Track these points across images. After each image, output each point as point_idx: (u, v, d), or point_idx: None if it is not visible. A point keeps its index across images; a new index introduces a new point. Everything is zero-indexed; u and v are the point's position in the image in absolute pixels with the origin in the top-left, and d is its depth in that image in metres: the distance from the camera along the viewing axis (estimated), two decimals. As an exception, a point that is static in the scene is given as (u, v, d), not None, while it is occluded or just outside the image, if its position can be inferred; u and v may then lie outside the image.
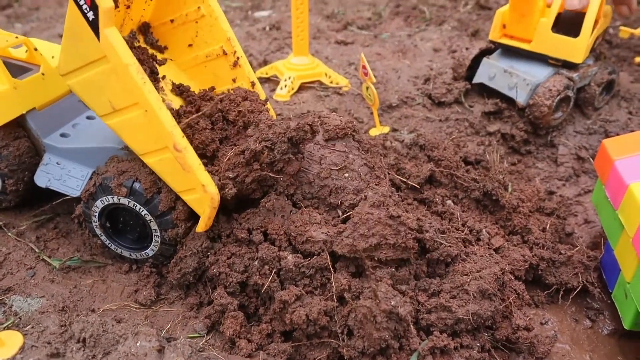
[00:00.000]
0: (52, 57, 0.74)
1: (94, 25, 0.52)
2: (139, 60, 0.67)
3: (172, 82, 0.73)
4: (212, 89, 0.76)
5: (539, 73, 0.90)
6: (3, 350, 0.52)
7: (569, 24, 0.89)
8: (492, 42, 0.96)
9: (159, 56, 0.74)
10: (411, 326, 0.56)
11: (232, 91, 0.73)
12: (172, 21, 0.71)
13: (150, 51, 0.73)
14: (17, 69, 0.74)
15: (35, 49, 0.73)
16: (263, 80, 1.10)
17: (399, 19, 1.36)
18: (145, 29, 0.73)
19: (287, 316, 0.59)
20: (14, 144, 0.69)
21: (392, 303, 0.56)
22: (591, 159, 0.90)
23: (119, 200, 0.64)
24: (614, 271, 0.69)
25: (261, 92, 0.73)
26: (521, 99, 0.90)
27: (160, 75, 0.72)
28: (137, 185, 0.63)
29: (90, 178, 0.67)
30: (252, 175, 0.64)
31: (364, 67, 0.91)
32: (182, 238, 0.65)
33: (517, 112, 0.93)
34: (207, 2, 0.68)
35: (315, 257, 0.63)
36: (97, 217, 0.67)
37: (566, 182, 0.90)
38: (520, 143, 0.92)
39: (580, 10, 0.85)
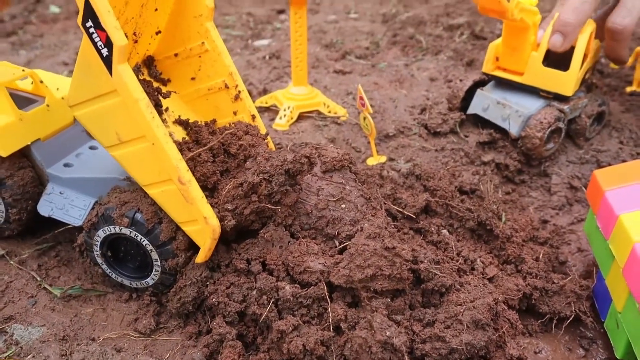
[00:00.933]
0: (57, 89, 0.76)
1: (108, 61, 0.55)
2: (146, 92, 0.69)
3: (179, 115, 0.74)
4: (214, 121, 0.78)
5: (531, 105, 0.92)
6: (5, 380, 0.53)
7: (560, 57, 0.92)
8: (485, 74, 0.98)
9: (163, 89, 0.76)
10: (406, 356, 0.57)
11: (233, 125, 0.75)
12: (176, 55, 0.74)
13: (155, 84, 0.75)
14: (23, 101, 0.76)
15: (41, 81, 0.75)
16: (263, 110, 1.12)
17: (396, 48, 1.39)
18: (149, 62, 0.76)
19: (285, 346, 0.60)
20: (19, 174, 0.71)
21: (387, 334, 0.57)
22: (584, 188, 0.92)
23: (120, 230, 0.66)
24: (606, 300, 0.71)
25: (261, 125, 0.76)
26: (514, 130, 0.92)
27: (163, 108, 0.74)
28: (138, 215, 0.65)
29: (93, 208, 0.68)
30: (251, 207, 0.65)
31: (361, 98, 0.94)
32: (182, 267, 0.67)
33: (510, 143, 0.96)
34: (211, 37, 0.70)
35: (313, 287, 0.64)
36: (98, 246, 0.68)
37: (559, 211, 0.92)
38: (514, 173, 0.94)
39: (562, 51, 0.88)
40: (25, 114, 0.71)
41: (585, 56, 0.92)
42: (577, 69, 0.87)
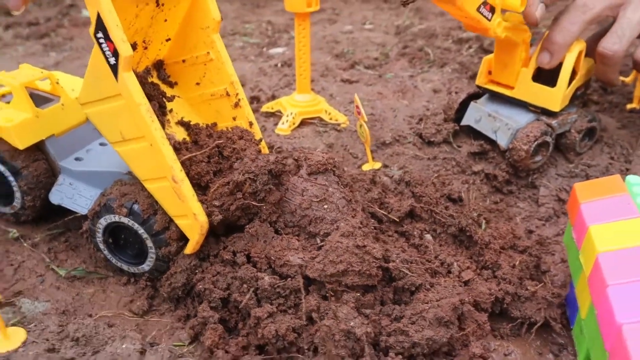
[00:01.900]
0: (72, 89, 0.83)
1: (114, 68, 0.61)
2: (150, 95, 0.76)
3: (182, 116, 0.81)
4: (215, 124, 0.84)
5: (521, 118, 0.96)
6: (8, 343, 0.60)
7: (554, 73, 0.95)
8: (478, 87, 1.02)
9: (169, 92, 0.83)
10: (366, 346, 0.61)
11: (230, 129, 0.81)
12: (183, 61, 0.80)
13: (162, 87, 0.82)
14: (41, 100, 0.84)
15: (57, 82, 0.83)
16: (268, 115, 1.18)
17: (404, 60, 1.44)
18: (159, 65, 0.83)
19: (260, 331, 0.66)
20: (33, 165, 0.79)
21: (351, 324, 0.62)
22: (570, 201, 0.95)
23: (119, 219, 0.72)
24: (575, 308, 0.74)
25: (257, 131, 0.82)
26: (502, 142, 0.96)
27: (167, 109, 0.81)
28: (136, 206, 0.72)
29: (97, 198, 0.75)
30: (236, 204, 0.71)
31: (357, 106, 0.99)
32: (174, 255, 0.73)
33: (500, 154, 0.99)
34: (216, 48, 0.77)
35: (291, 279, 0.69)
36: (101, 233, 0.75)
37: (546, 222, 0.95)
38: (502, 183, 0.98)
39: (549, 68, 0.92)
40: (42, 112, 0.79)
41: (575, 73, 0.95)
42: (564, 86, 0.91)
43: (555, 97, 0.92)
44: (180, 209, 0.69)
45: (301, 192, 0.76)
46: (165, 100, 0.80)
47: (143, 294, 0.75)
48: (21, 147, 0.76)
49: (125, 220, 0.72)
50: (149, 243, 0.73)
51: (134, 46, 0.71)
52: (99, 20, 0.60)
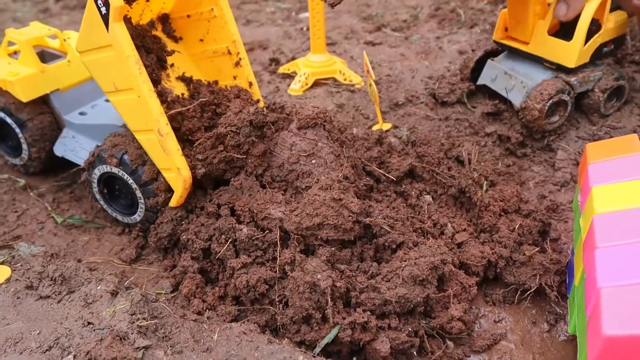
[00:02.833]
0: None
1: (105, 18, 0.63)
2: (148, 48, 0.77)
3: (183, 72, 0.82)
4: (216, 82, 0.84)
5: (537, 76, 0.89)
6: (-9, 278, 0.64)
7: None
8: (495, 42, 0.96)
9: (173, 46, 0.84)
10: (329, 298, 0.60)
11: (229, 88, 0.81)
12: (188, 16, 0.81)
13: (166, 40, 0.83)
14: (51, 56, 0.87)
15: (65, 40, 0.86)
16: (285, 76, 1.17)
17: (433, 21, 1.38)
18: (165, 19, 0.83)
19: (232, 281, 0.67)
20: (38, 118, 0.82)
21: (318, 277, 0.61)
22: (590, 166, 0.88)
23: (110, 169, 0.75)
24: (572, 275, 0.69)
25: (257, 92, 0.81)
26: (517, 101, 0.90)
27: (169, 63, 0.82)
28: (125, 157, 0.73)
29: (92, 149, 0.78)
30: (219, 157, 0.71)
31: (366, 65, 0.96)
32: (161, 206, 0.74)
33: (515, 115, 0.93)
34: (220, 5, 0.77)
35: (269, 232, 0.69)
36: (96, 183, 0.77)
37: (562, 188, 0.89)
38: (515, 145, 0.92)
39: (565, 20, 0.84)
40: (47, 67, 0.82)
41: (599, 26, 0.87)
42: (580, 40, 0.83)
43: (571, 52, 0.84)
44: (166, 162, 0.70)
45: (290, 146, 0.75)
46: (164, 53, 0.81)
47: (134, 243, 0.77)
48: (24, 100, 0.80)
49: (115, 170, 0.74)
50: (138, 193, 0.74)
51: None
52: None
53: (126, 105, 0.71)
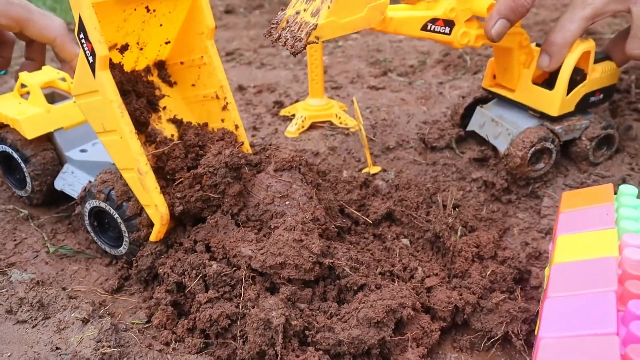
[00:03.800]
0: None
1: (92, 66, 0.69)
2: (139, 92, 0.83)
3: (175, 114, 0.88)
4: (205, 125, 0.90)
5: (523, 124, 0.91)
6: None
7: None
8: (484, 89, 0.98)
9: (168, 91, 0.90)
10: (280, 337, 0.62)
11: (215, 130, 0.87)
12: (182, 63, 0.87)
13: (161, 85, 0.89)
14: (61, 97, 0.95)
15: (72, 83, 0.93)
16: (285, 119, 1.22)
17: (439, 67, 1.41)
18: (161, 65, 0.90)
19: (198, 314, 0.69)
20: (41, 154, 0.89)
21: (272, 314, 0.63)
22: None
23: (99, 204, 0.80)
24: (539, 325, 0.69)
25: (243, 134, 0.86)
26: (502, 148, 0.91)
27: (161, 106, 0.88)
28: (112, 192, 0.79)
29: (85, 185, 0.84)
30: (196, 195, 0.75)
31: (355, 111, 0.99)
32: (143, 240, 0.79)
33: (500, 161, 0.94)
34: (209, 53, 0.83)
35: (237, 269, 0.72)
36: (87, 216, 0.83)
37: (547, 235, 0.89)
38: (500, 191, 0.93)
39: (549, 71, 0.86)
40: (53, 107, 0.89)
41: (584, 76, 0.88)
42: (562, 89, 0.85)
43: (553, 101, 0.86)
44: (146, 198, 0.75)
45: (266, 187, 0.78)
46: (155, 97, 0.87)
47: (118, 274, 0.81)
48: (29, 137, 0.87)
49: (103, 205, 0.79)
50: (123, 227, 0.79)
51: (125, 47, 0.79)
52: (81, 23, 0.68)
53: (112, 145, 0.76)
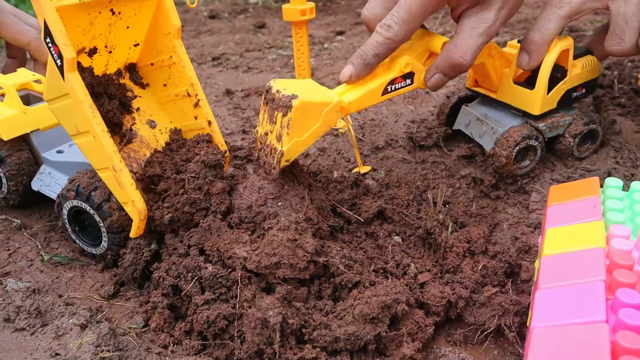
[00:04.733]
0: None
1: (61, 69, 0.69)
2: (111, 94, 0.84)
3: (150, 114, 0.89)
4: (180, 131, 0.91)
5: (508, 122, 0.92)
6: (-27, 313, 0.69)
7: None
8: (467, 89, 1.00)
9: (139, 92, 0.90)
10: (277, 335, 0.63)
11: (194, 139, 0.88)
12: (152, 64, 0.88)
13: (134, 87, 0.89)
14: (36, 99, 0.95)
15: None
16: (275, 121, 1.23)
17: (425, 67, 1.43)
18: (132, 68, 0.90)
19: (195, 316, 0.70)
20: (16, 154, 0.90)
21: (269, 313, 0.64)
22: (561, 208, 0.89)
23: (71, 202, 0.80)
24: (531, 317, 0.70)
25: (217, 130, 0.87)
26: (487, 146, 0.93)
27: (134, 107, 0.88)
28: (79, 187, 0.79)
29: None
30: (182, 200, 0.76)
31: (344, 111, 1.00)
32: (118, 224, 0.79)
33: (488, 159, 0.96)
34: (177, 52, 0.84)
35: (232, 270, 0.73)
36: (66, 217, 0.83)
37: (535, 230, 0.90)
38: (489, 187, 0.94)
39: (528, 69, 0.88)
40: (29, 109, 0.89)
41: (565, 72, 0.90)
42: (542, 87, 0.86)
43: (534, 99, 0.87)
44: (123, 196, 0.76)
45: (258, 189, 0.79)
46: (127, 99, 0.87)
47: (113, 280, 0.82)
48: (5, 138, 0.88)
49: (75, 202, 0.80)
50: (97, 217, 0.79)
51: (94, 50, 0.79)
52: (46, 27, 0.68)
53: (87, 146, 0.76)
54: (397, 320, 0.70)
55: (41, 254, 0.86)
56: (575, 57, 0.91)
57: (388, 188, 0.94)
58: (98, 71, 0.84)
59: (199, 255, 0.77)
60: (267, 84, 0.76)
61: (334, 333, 0.65)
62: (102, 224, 0.79)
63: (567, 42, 0.87)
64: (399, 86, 0.81)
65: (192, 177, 0.75)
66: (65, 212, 0.82)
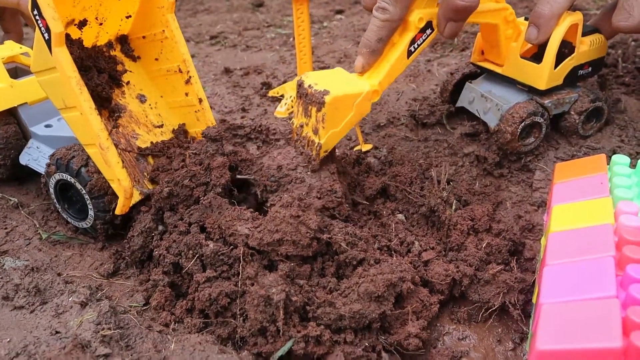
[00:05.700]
0: None
1: (48, 43, 0.67)
2: (101, 68, 0.82)
3: (140, 89, 0.88)
4: (184, 128, 0.89)
5: (513, 99, 0.91)
6: (-29, 291, 0.68)
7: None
8: (472, 64, 0.98)
9: (129, 65, 0.88)
10: (281, 312, 0.62)
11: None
12: (144, 37, 0.86)
13: (124, 59, 0.87)
14: (24, 72, 0.93)
15: None
16: (274, 99, 1.21)
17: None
18: (123, 40, 0.88)
19: (197, 294, 0.69)
20: (3, 128, 0.88)
21: (272, 290, 0.63)
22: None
23: (53, 177, 0.80)
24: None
25: (207, 108, 0.86)
26: (492, 123, 0.92)
27: (124, 81, 0.87)
28: (58, 159, 0.79)
29: None
30: (182, 174, 0.75)
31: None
32: (97, 187, 0.78)
33: (491, 136, 0.95)
34: (170, 27, 0.82)
35: (234, 247, 0.72)
36: (52, 190, 0.82)
37: (539, 208, 0.90)
38: (492, 165, 0.93)
39: (537, 44, 0.86)
40: (16, 82, 0.88)
41: (572, 49, 0.88)
42: (550, 62, 0.85)
43: (541, 74, 0.86)
44: (109, 173, 0.75)
45: (292, 157, 0.79)
46: (117, 73, 0.85)
47: (112, 258, 0.80)
48: None
49: (57, 175, 0.79)
50: (78, 186, 0.78)
51: (83, 22, 0.77)
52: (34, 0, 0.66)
53: (74, 121, 0.75)
54: (402, 298, 0.69)
55: (39, 233, 0.84)
56: (583, 35, 0.89)
57: (391, 166, 0.93)
58: (88, 43, 0.82)
59: (199, 232, 0.76)
60: (300, 79, 0.78)
61: (339, 311, 0.64)
62: (84, 191, 0.78)
63: (577, 17, 0.85)
64: (421, 41, 0.80)
65: (193, 153, 0.74)
66: (52, 190, 0.81)
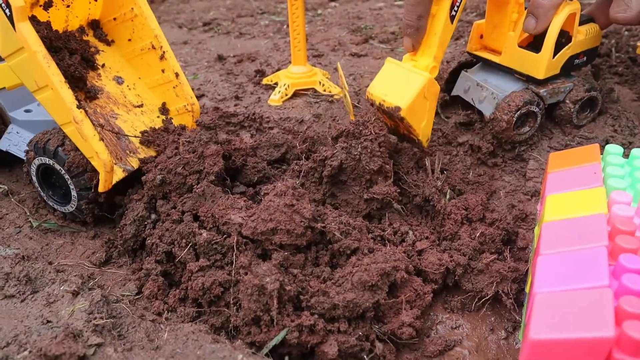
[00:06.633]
0: None
1: (11, 19, 0.66)
2: (72, 49, 0.82)
3: (117, 71, 0.87)
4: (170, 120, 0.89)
5: (508, 87, 0.91)
6: (-39, 280, 0.67)
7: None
8: (468, 53, 0.98)
9: (106, 49, 0.88)
10: (275, 302, 0.62)
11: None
12: (114, 19, 0.85)
13: (98, 44, 0.87)
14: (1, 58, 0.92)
15: None
16: (268, 87, 1.20)
17: (421, 33, 1.39)
18: (95, 25, 0.88)
19: (190, 283, 0.69)
20: None
21: (266, 280, 0.63)
22: (559, 176, 0.89)
23: (34, 163, 0.79)
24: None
25: (185, 82, 0.86)
26: (487, 112, 0.91)
27: (99, 63, 0.86)
28: (36, 143, 0.78)
29: None
30: (175, 161, 0.74)
31: (340, 77, 0.98)
32: (75, 164, 0.77)
33: (486, 125, 0.94)
34: (138, 4, 0.81)
35: (227, 237, 0.71)
36: (34, 175, 0.82)
37: (532, 198, 0.90)
38: (486, 155, 0.93)
39: (535, 33, 0.85)
40: None
41: (569, 39, 0.88)
42: (548, 52, 0.84)
43: (539, 63, 0.86)
44: (87, 149, 0.74)
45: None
46: (90, 54, 0.84)
47: (103, 246, 0.80)
48: None
49: (37, 161, 0.79)
50: (57, 166, 0.77)
51: (49, 3, 0.76)
52: None
53: (48, 101, 0.74)
54: (396, 287, 0.69)
55: (30, 221, 0.84)
56: (579, 25, 0.89)
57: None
58: (58, 26, 0.81)
59: (193, 221, 0.75)
60: (367, 97, 0.84)
61: (332, 300, 0.64)
62: (63, 171, 0.77)
63: (575, 6, 0.85)
64: (460, 2, 0.80)
65: (186, 140, 0.73)
66: (34, 177, 0.81)
